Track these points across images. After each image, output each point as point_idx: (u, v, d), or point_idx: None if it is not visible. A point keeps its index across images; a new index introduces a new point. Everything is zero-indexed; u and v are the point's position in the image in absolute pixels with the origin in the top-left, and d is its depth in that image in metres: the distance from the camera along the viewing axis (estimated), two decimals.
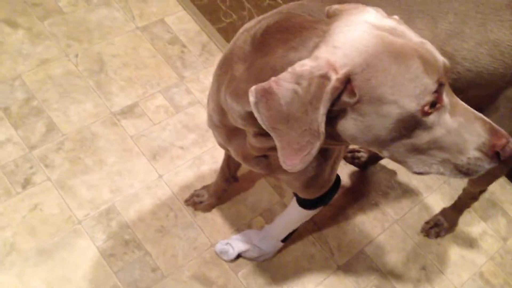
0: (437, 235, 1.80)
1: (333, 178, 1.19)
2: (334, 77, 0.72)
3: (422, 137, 0.78)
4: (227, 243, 1.56)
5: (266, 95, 0.74)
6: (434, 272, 1.73)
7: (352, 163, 1.93)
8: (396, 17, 0.82)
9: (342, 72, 0.72)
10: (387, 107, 0.74)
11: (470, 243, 1.84)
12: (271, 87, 0.73)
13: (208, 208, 1.66)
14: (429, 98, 0.74)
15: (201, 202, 1.65)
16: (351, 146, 1.92)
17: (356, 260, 1.69)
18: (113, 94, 1.85)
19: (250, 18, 1.87)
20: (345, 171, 1.90)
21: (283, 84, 0.73)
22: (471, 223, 1.89)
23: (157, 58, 2.00)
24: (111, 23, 2.05)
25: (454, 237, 1.83)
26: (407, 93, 0.73)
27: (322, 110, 0.72)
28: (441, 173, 0.82)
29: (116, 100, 1.84)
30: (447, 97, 0.78)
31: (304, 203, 1.30)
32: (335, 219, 1.77)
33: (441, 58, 0.77)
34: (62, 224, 1.53)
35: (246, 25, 0.97)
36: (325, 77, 0.72)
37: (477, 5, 1.07)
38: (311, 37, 0.78)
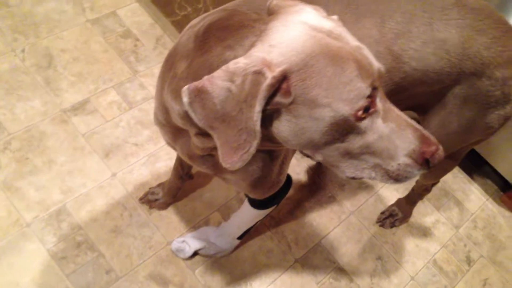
0: (392, 225, 1.83)
1: (283, 178, 1.18)
2: (269, 74, 0.71)
3: (355, 142, 0.78)
4: (183, 241, 1.55)
5: (200, 94, 0.72)
6: (390, 262, 1.76)
7: (308, 156, 1.93)
8: (335, 17, 0.82)
9: (278, 70, 0.71)
10: (320, 110, 0.74)
11: (424, 232, 1.88)
12: (204, 86, 0.72)
13: (164, 206, 1.64)
14: (362, 102, 0.74)
15: (156, 200, 1.63)
16: None
17: (313, 253, 1.70)
18: (63, 90, 1.79)
19: (206, 11, 1.83)
20: (302, 165, 1.91)
21: (217, 82, 0.72)
22: (424, 212, 1.93)
23: (109, 52, 1.95)
24: (59, 16, 1.98)
25: (408, 226, 1.87)
26: (341, 96, 0.73)
27: (257, 108, 0.71)
28: (373, 178, 0.83)
29: (66, 97, 1.78)
30: (381, 102, 0.78)
31: (254, 203, 1.30)
32: (293, 213, 1.78)
33: (376, 64, 0.78)
34: (9, 227, 1.48)
35: (192, 22, 0.95)
36: (260, 74, 0.71)
37: (424, 3, 1.08)
38: (248, 36, 0.77)
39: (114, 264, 1.49)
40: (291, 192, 1.81)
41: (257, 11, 0.95)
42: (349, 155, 0.80)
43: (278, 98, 0.73)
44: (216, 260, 1.59)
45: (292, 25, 0.75)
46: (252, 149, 0.74)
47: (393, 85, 1.10)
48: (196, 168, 1.63)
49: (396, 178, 0.81)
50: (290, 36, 0.73)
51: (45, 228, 1.50)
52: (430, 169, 0.81)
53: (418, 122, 1.33)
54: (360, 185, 1.92)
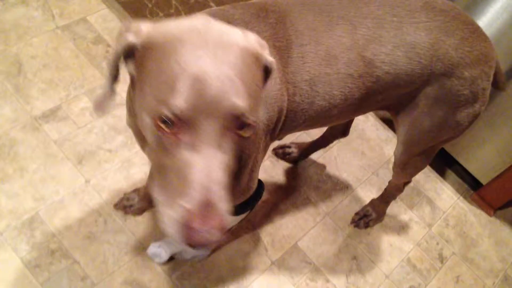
0: (367, 226, 1.85)
1: (253, 185, 1.16)
2: (130, 37, 0.73)
3: (167, 157, 0.71)
4: (159, 246, 1.53)
5: None
6: (365, 261, 1.79)
7: (283, 158, 1.95)
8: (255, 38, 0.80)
9: (138, 39, 0.73)
10: (141, 96, 0.72)
11: (397, 231, 1.91)
12: None
13: (139, 212, 1.62)
14: (159, 113, 0.66)
15: (131, 206, 1.61)
16: (281, 142, 1.95)
17: (289, 255, 1.71)
18: (33, 98, 1.76)
19: (177, 16, 1.84)
20: (277, 167, 1.92)
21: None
22: (398, 211, 1.96)
23: (80, 59, 1.93)
24: (28, 23, 1.95)
25: (382, 226, 1.90)
26: (154, 93, 0.68)
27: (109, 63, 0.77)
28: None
29: (37, 104, 1.75)
30: (194, 138, 0.67)
31: None
32: (268, 216, 1.78)
33: (223, 104, 0.67)
34: None
35: None
36: (123, 33, 0.74)
37: (393, 8, 1.10)
38: None
39: (89, 271, 1.48)
40: (266, 195, 1.82)
41: (230, 20, 0.97)
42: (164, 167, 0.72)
43: (130, 66, 0.76)
44: (192, 265, 1.58)
45: (196, 18, 0.75)
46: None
47: (366, 89, 1.13)
48: None
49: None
50: (182, 23, 0.73)
51: (18, 236, 1.48)
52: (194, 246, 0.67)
53: (391, 121, 1.36)
54: (334, 187, 1.94)
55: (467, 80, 1.14)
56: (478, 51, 1.13)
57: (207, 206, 0.66)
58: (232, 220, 1.36)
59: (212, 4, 2.21)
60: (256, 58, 0.75)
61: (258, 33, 0.99)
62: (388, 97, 1.19)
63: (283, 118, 1.07)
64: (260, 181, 1.26)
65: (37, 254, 1.46)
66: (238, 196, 1.17)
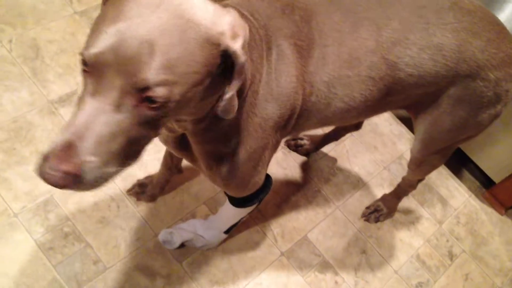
0: (377, 220, 1.86)
1: (259, 180, 1.16)
2: None
3: None
4: (171, 232, 1.55)
5: None
6: (374, 256, 1.79)
7: (295, 150, 1.95)
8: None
9: None
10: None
11: (408, 226, 1.91)
12: None
13: (151, 199, 1.64)
14: (81, 53, 0.68)
15: (143, 192, 1.63)
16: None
17: (299, 247, 1.72)
18: (50, 82, 1.78)
19: None
20: (288, 159, 1.93)
21: None
22: (409, 207, 1.96)
23: None
24: (46, 7, 1.97)
25: (393, 221, 1.90)
26: (91, 33, 0.70)
27: None
28: None
29: (53, 88, 1.77)
30: (91, 86, 0.69)
31: (233, 201, 1.30)
32: (279, 207, 1.79)
33: (95, 49, 0.67)
34: None
35: None
36: None
37: (421, 8, 1.08)
38: None
39: (102, 255, 1.50)
40: (278, 186, 1.83)
41: (253, 12, 0.97)
42: None
43: None
44: (203, 253, 1.60)
45: None
46: None
47: (387, 91, 1.12)
48: (185, 162, 1.64)
49: None
50: None
51: (33, 218, 1.50)
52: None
53: (410, 120, 1.35)
54: (346, 180, 1.94)
55: (492, 82, 1.13)
56: (503, 53, 1.11)
57: (67, 150, 0.67)
58: (241, 212, 1.37)
59: None
60: (208, 38, 0.71)
61: (280, 29, 0.98)
62: (409, 97, 1.18)
63: (295, 116, 1.06)
64: (268, 176, 1.26)
65: (51, 237, 1.48)
66: (242, 190, 1.16)
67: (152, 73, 0.66)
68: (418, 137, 1.34)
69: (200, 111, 0.87)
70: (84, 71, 0.69)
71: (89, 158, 0.68)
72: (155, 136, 0.78)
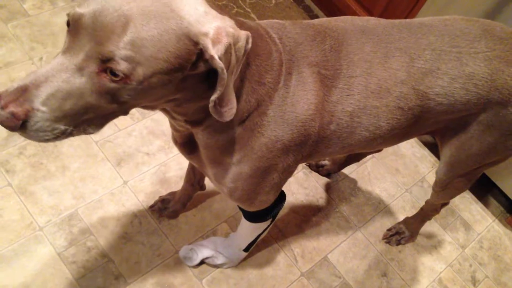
0: (398, 243, 1.84)
1: (271, 197, 1.16)
2: None
3: None
4: (192, 249, 1.56)
5: None
6: (395, 279, 1.77)
7: (316, 171, 1.95)
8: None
9: None
10: None
11: (430, 250, 1.89)
12: None
13: (173, 215, 1.66)
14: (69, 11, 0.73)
15: (166, 209, 1.65)
16: None
17: (319, 267, 1.71)
18: None
19: None
20: (310, 179, 1.93)
21: None
22: (431, 231, 1.94)
23: None
24: None
25: (414, 244, 1.88)
26: None
27: None
28: None
29: None
30: (65, 43, 0.73)
31: (245, 215, 1.31)
32: (300, 226, 1.79)
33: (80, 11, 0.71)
34: (22, 230, 1.50)
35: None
36: None
37: (453, 38, 1.09)
38: None
39: (123, 270, 1.51)
40: (299, 206, 1.83)
41: (281, 36, 0.99)
42: None
43: None
44: (222, 271, 1.60)
45: None
46: None
47: (415, 119, 1.12)
48: (207, 179, 1.65)
49: None
50: None
51: (57, 232, 1.52)
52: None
53: (432, 143, 1.34)
54: (367, 202, 1.94)
55: None
56: None
57: (21, 94, 0.70)
58: (256, 227, 1.37)
59: (253, 15, 2.25)
60: (187, 33, 0.72)
61: (306, 57, 0.99)
62: (436, 124, 1.18)
63: (310, 142, 1.06)
64: (282, 193, 1.26)
65: (74, 251, 1.51)
66: (253, 205, 1.17)
67: (119, 46, 0.68)
68: (444, 160, 1.33)
69: (189, 110, 0.91)
70: (68, 30, 0.73)
71: (40, 107, 0.70)
72: (122, 114, 0.80)
